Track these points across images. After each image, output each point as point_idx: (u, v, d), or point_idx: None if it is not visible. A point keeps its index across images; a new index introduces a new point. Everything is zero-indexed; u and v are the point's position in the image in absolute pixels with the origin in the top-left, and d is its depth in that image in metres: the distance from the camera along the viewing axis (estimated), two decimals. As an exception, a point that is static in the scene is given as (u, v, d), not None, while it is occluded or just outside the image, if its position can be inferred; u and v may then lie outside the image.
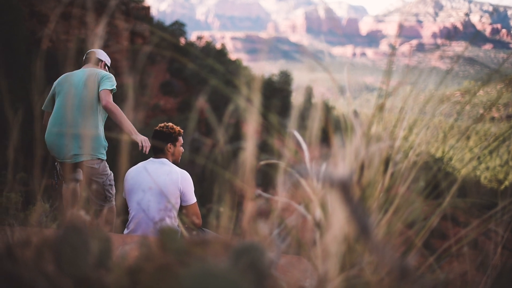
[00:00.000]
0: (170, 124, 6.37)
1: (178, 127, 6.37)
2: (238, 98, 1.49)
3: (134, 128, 6.18)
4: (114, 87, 6.28)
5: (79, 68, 6.73)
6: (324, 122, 1.57)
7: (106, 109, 6.07)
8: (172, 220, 5.86)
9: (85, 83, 6.21)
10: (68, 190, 6.21)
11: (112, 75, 6.39)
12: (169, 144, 6.21)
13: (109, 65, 7.09)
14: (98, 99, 6.18)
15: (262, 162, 1.74)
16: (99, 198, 6.55)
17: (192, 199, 5.95)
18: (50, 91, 6.49)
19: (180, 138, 6.33)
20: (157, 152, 6.17)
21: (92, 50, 6.79)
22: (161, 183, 5.81)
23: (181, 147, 6.35)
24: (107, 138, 6.82)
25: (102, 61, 6.97)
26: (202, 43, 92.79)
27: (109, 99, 6.06)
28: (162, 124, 6.31)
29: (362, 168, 1.53)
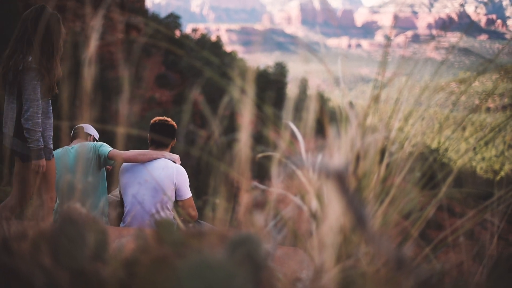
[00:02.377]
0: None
1: None
2: (233, 90, 1.49)
3: (161, 152, 6.09)
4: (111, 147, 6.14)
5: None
6: (319, 113, 1.57)
7: (130, 161, 5.97)
8: (167, 213, 5.87)
9: (78, 162, 6.04)
10: None
11: (101, 143, 6.22)
12: (175, 139, 6.23)
13: (97, 138, 6.89)
14: (97, 167, 6.06)
15: (260, 155, 1.74)
16: None
17: (187, 194, 5.96)
18: None
19: None
20: (160, 145, 6.14)
21: (80, 125, 6.60)
22: (156, 177, 5.82)
23: None
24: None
25: (90, 135, 6.75)
26: (197, 35, 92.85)
27: (122, 154, 5.92)
28: (168, 119, 6.26)
29: (357, 159, 1.53)
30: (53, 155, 5.34)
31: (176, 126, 6.26)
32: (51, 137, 5.24)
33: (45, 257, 1.08)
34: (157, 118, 6.31)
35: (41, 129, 5.05)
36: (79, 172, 5.96)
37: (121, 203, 6.21)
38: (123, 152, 5.88)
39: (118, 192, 6.47)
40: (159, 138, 6.11)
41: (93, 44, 1.47)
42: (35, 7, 5.11)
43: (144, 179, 5.80)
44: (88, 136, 6.73)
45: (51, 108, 5.25)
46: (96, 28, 1.52)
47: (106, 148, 6.00)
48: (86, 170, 5.92)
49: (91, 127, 6.84)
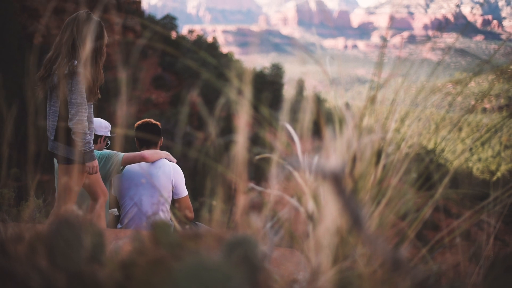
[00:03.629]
0: None
1: None
2: (230, 91, 1.49)
3: (164, 152, 6.28)
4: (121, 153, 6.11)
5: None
6: (316, 114, 1.57)
7: (147, 161, 5.98)
8: (165, 214, 5.90)
9: None
10: None
11: (109, 151, 6.16)
12: (161, 138, 6.29)
13: (109, 133, 6.61)
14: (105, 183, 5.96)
15: (258, 157, 1.74)
16: None
17: (184, 192, 6.02)
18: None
19: None
20: (150, 144, 6.19)
21: None
22: (153, 176, 5.86)
23: None
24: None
25: (101, 136, 6.44)
26: (193, 37, 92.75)
27: (139, 155, 5.98)
28: (148, 120, 6.34)
29: (354, 160, 1.53)
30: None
31: (160, 125, 6.36)
32: (92, 141, 5.29)
33: (41, 259, 1.08)
34: (139, 121, 6.37)
35: (89, 131, 5.16)
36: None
37: (117, 205, 6.22)
38: (136, 154, 5.91)
39: (116, 210, 6.46)
40: (147, 137, 6.24)
41: (89, 46, 1.47)
42: (80, 13, 5.20)
43: (141, 180, 5.82)
44: (98, 138, 6.42)
45: (92, 112, 5.34)
46: (92, 30, 1.52)
47: (117, 157, 5.96)
48: None
49: (101, 122, 6.52)
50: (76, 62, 5.00)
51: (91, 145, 5.14)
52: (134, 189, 5.85)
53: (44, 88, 5.25)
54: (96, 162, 5.23)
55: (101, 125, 6.48)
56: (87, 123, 5.12)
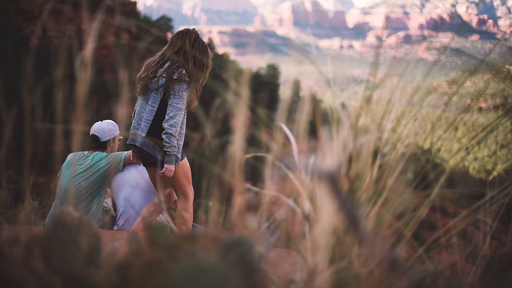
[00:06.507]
0: None
1: None
2: (226, 92, 1.49)
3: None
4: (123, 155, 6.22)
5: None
6: (312, 115, 1.57)
7: None
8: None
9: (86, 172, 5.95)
10: None
11: (114, 153, 6.23)
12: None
13: (118, 135, 6.52)
14: (104, 176, 6.00)
15: (250, 155, 1.74)
16: None
17: None
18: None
19: None
20: None
21: (93, 133, 6.24)
22: (147, 178, 5.87)
23: None
24: None
25: (108, 141, 6.33)
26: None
27: None
28: None
29: (350, 160, 1.53)
30: (184, 156, 5.75)
31: None
32: (181, 146, 5.57)
33: (37, 262, 1.08)
34: None
35: (178, 136, 5.44)
36: (74, 176, 5.98)
37: (113, 206, 6.22)
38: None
39: (109, 200, 6.45)
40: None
41: (89, 47, 1.47)
42: (191, 29, 5.72)
43: (136, 182, 5.82)
44: (107, 144, 6.33)
45: (185, 120, 5.62)
46: (92, 31, 1.52)
47: (118, 156, 6.16)
48: (89, 177, 5.88)
49: (106, 127, 6.35)
50: (184, 71, 5.39)
51: (175, 149, 5.34)
52: (129, 190, 5.85)
53: (143, 87, 5.61)
54: (173, 167, 5.41)
55: (106, 127, 6.36)
56: (179, 127, 5.40)
